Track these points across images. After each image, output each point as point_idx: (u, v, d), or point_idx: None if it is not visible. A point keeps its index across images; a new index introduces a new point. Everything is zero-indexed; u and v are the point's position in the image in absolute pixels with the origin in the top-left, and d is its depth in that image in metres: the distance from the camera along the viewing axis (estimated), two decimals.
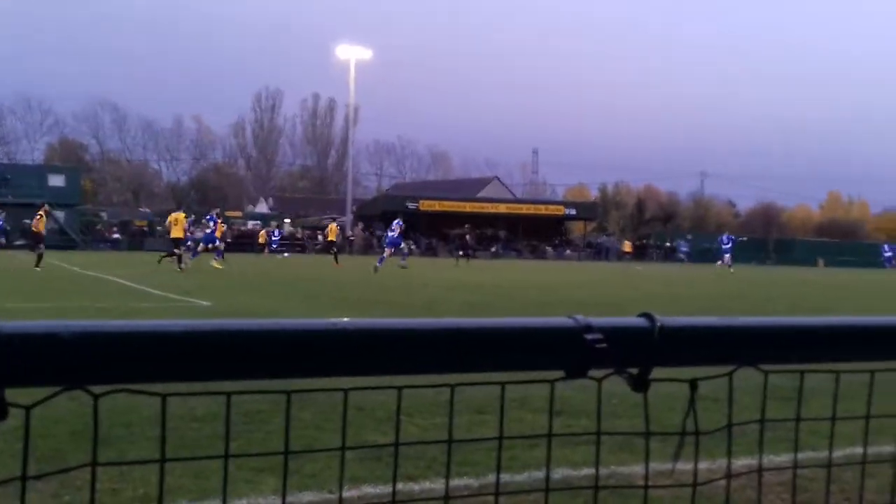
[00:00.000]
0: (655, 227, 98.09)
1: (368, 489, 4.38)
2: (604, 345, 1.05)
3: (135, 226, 70.16)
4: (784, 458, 4.84)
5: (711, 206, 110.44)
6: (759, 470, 1.29)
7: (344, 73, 77.59)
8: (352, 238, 72.70)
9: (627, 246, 76.68)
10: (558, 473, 4.67)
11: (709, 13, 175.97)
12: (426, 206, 74.92)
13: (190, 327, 0.92)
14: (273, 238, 59.12)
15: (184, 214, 32.28)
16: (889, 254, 68.81)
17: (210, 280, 24.09)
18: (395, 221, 36.53)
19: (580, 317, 1.07)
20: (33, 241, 29.57)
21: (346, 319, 0.98)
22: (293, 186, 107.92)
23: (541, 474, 4.71)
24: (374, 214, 78.88)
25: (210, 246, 33.73)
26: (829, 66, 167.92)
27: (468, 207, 77.04)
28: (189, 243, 36.85)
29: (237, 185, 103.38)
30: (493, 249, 76.04)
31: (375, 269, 31.54)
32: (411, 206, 75.11)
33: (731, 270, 43.95)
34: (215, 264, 30.72)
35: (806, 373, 1.22)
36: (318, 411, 5.84)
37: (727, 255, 46.67)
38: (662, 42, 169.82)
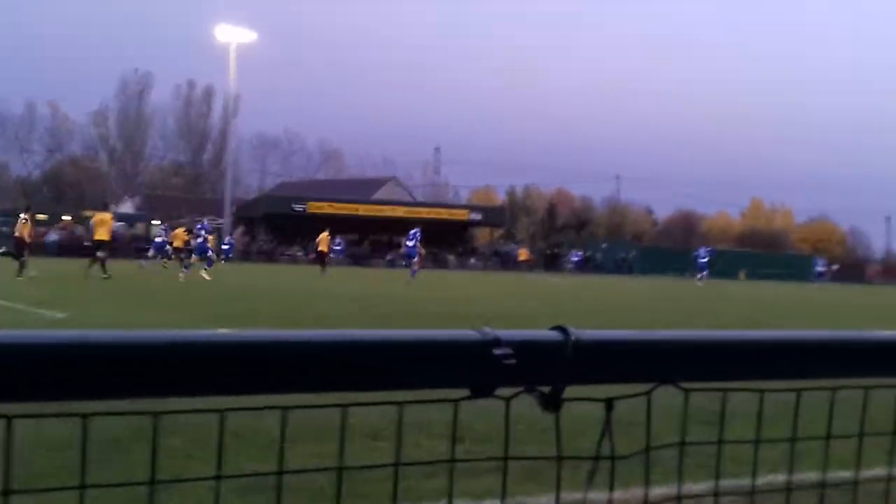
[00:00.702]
0: (568, 234, 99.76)
1: None
2: (513, 360, 1.05)
3: None
4: (703, 486, 4.96)
5: (628, 212, 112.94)
6: (679, 497, 1.31)
7: (223, 58, 76.42)
8: (232, 243, 71.67)
9: (523, 254, 77.54)
10: None
11: (624, 3, 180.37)
12: (315, 207, 74.46)
13: (41, 339, 0.89)
14: (224, 245, 58.73)
15: (111, 215, 32.13)
16: (821, 269, 71.59)
17: (69, 290, 23.40)
18: (413, 231, 40.15)
19: (488, 329, 1.07)
20: (16, 249, 29.18)
21: (224, 330, 0.96)
22: (164, 184, 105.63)
23: None
24: (257, 216, 78.03)
25: (202, 257, 34.67)
26: (750, 66, 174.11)
27: (362, 210, 76.98)
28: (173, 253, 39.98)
29: (98, 181, 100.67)
30: (388, 258, 75.97)
31: (408, 282, 34.91)
32: (298, 207, 74.61)
33: (700, 284, 48.83)
34: (204, 275, 31.27)
35: (729, 391, 1.25)
36: (190, 438, 5.72)
37: (705, 271, 52.66)
38: (574, 32, 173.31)
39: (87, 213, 32.89)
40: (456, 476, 4.59)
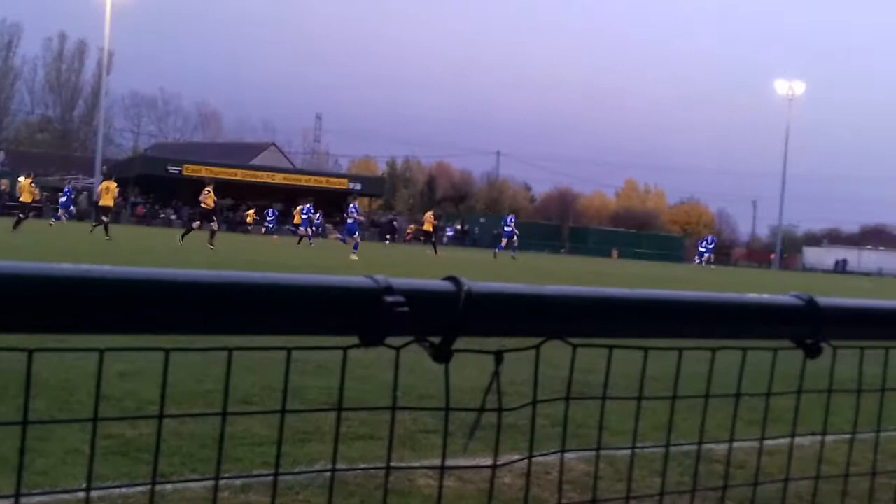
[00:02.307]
0: (447, 207, 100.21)
1: (113, 489, 4.20)
2: (405, 308, 1.04)
3: None
4: (576, 455, 5.07)
5: (506, 188, 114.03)
6: (563, 451, 1.32)
7: (98, 12, 73.80)
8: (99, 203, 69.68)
9: (412, 229, 78.24)
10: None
11: None
12: (191, 171, 72.88)
13: None
14: (268, 218, 58.85)
15: (115, 184, 35.50)
16: (703, 250, 74.42)
17: None
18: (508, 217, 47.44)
19: (380, 277, 1.05)
20: (202, 217, 33.59)
21: (100, 266, 0.91)
22: (30, 140, 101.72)
23: (312, 472, 4.69)
24: (129, 177, 75.95)
25: (352, 237, 36.46)
26: (630, 50, 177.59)
27: (240, 175, 75.77)
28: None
29: None
30: (267, 225, 74.96)
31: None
32: (173, 170, 72.98)
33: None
34: (353, 257, 31.98)
35: (615, 348, 1.26)
36: (54, 399, 5.55)
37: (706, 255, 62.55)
38: (455, 6, 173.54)
39: None
40: (329, 442, 4.56)
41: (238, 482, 4.40)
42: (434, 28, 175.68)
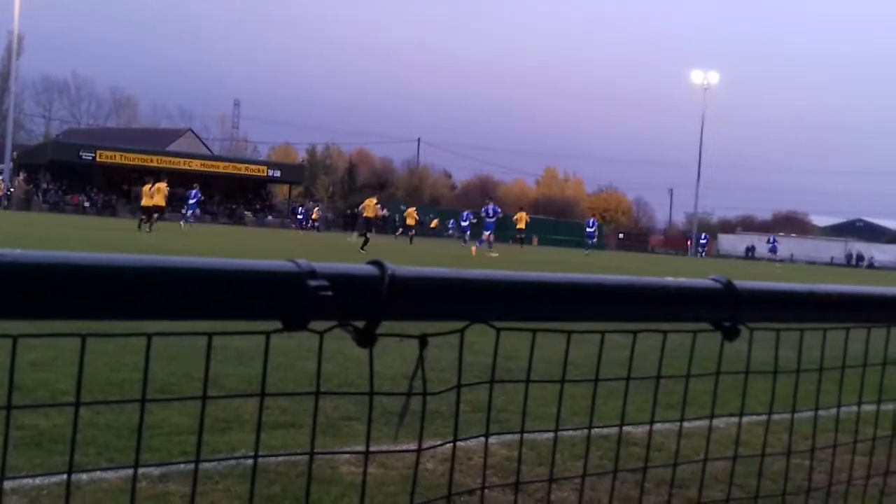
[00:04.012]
0: (368, 194, 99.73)
1: (27, 480, 4.10)
2: (329, 293, 1.02)
3: None
4: (497, 440, 5.10)
5: (427, 175, 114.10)
6: (487, 434, 1.32)
7: None
8: (11, 191, 67.93)
9: (315, 213, 77.78)
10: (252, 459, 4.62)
11: None
12: (105, 157, 71.46)
13: None
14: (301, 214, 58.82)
15: (166, 184, 39.20)
16: (704, 241, 77.00)
17: None
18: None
19: (303, 261, 1.04)
20: (365, 227, 36.76)
21: (12, 250, 0.89)
22: None
23: (232, 462, 4.65)
24: (40, 164, 74.15)
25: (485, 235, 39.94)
26: (550, 39, 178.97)
27: (156, 161, 74.49)
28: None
29: None
30: (183, 211, 73.94)
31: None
32: (87, 156, 71.42)
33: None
34: (493, 254, 35.99)
35: (538, 331, 1.27)
36: None
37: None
38: None
39: None
40: (249, 430, 4.52)
41: (156, 472, 4.33)
42: (353, 14, 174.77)
